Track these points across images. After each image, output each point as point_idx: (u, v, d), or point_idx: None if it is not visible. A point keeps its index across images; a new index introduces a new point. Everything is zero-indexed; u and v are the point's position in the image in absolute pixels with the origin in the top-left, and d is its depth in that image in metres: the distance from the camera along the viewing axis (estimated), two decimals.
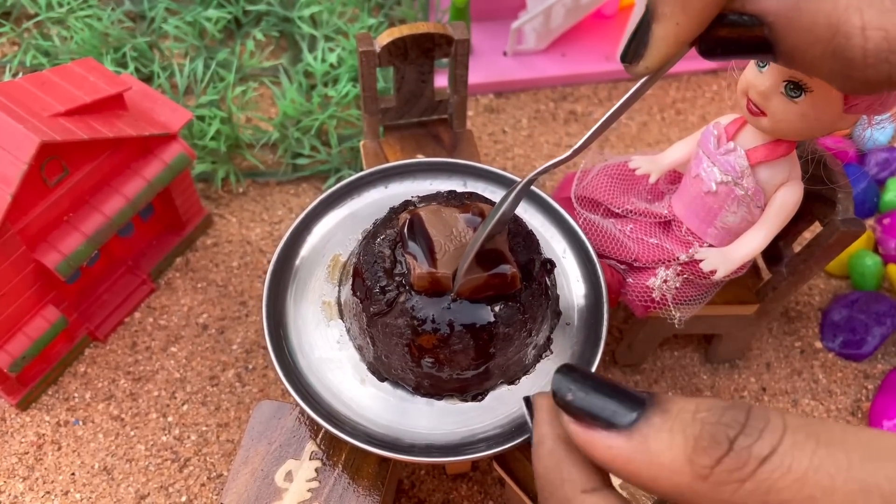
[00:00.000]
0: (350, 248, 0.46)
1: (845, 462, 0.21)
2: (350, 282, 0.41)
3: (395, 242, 0.39)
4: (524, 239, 0.41)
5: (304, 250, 0.46)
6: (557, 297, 0.44)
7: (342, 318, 0.43)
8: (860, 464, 0.21)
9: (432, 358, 0.38)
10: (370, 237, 0.41)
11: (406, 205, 0.41)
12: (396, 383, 0.41)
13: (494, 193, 0.48)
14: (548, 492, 0.28)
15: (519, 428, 0.40)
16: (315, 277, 0.45)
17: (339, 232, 0.46)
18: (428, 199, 0.41)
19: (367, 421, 0.40)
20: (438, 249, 0.37)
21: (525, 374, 0.42)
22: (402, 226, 0.39)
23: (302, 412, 0.42)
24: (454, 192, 0.42)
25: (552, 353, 0.43)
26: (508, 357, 0.39)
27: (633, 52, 0.27)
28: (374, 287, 0.38)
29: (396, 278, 0.38)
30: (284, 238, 0.45)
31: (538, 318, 0.40)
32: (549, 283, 0.41)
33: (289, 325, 0.43)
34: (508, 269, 0.37)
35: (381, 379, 0.41)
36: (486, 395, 0.41)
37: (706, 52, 0.27)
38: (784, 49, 0.26)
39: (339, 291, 0.44)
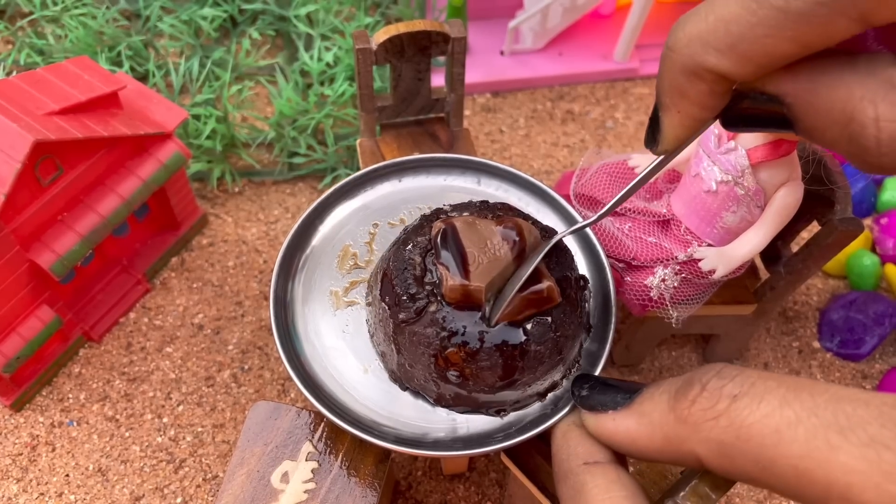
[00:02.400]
0: (361, 239, 0.46)
1: (811, 402, 0.23)
2: (378, 287, 0.40)
3: (427, 250, 0.38)
4: (558, 255, 0.39)
5: (316, 239, 0.46)
6: (589, 313, 0.43)
7: (368, 312, 0.43)
8: (824, 404, 0.23)
9: (457, 371, 0.37)
10: (401, 243, 0.40)
11: (438, 213, 0.41)
12: (417, 393, 0.41)
13: (508, 192, 0.48)
14: (556, 465, 0.33)
15: (534, 420, 0.39)
16: (325, 266, 0.45)
17: (350, 222, 0.46)
18: (460, 208, 0.41)
19: (377, 415, 0.40)
20: (472, 262, 0.36)
21: (552, 390, 0.41)
22: (436, 235, 0.38)
23: (299, 409, 0.42)
24: (486, 202, 0.41)
25: (581, 367, 0.42)
26: (537, 376, 0.38)
27: (650, 137, 0.30)
28: (403, 294, 0.37)
29: (427, 287, 0.37)
30: (296, 225, 0.45)
31: (570, 336, 0.39)
32: (581, 299, 0.40)
33: (296, 312, 0.43)
34: (544, 284, 0.37)
35: (403, 388, 0.41)
36: (508, 413, 0.40)
37: (728, 125, 0.29)
38: (803, 127, 0.27)
39: (368, 296, 0.43)
